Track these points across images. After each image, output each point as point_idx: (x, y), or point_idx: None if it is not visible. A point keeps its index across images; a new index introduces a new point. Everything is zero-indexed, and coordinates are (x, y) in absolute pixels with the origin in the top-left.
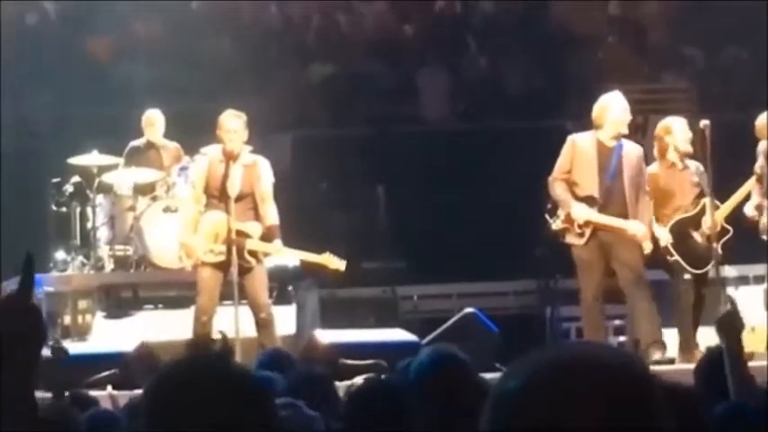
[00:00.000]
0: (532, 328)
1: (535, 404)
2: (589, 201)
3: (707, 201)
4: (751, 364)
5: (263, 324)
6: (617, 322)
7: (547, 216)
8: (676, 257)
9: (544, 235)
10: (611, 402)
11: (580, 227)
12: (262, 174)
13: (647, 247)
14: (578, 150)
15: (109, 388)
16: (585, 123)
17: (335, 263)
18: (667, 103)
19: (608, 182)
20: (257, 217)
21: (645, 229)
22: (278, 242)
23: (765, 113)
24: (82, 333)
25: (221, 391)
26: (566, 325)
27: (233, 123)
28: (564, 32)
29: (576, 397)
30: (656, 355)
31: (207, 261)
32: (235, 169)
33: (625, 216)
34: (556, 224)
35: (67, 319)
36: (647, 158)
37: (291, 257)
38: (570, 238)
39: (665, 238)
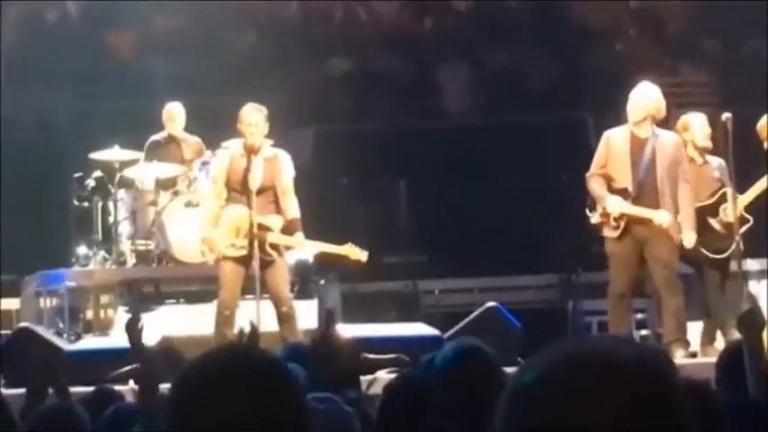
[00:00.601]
0: (554, 322)
1: (552, 399)
2: (623, 193)
3: (727, 190)
4: None
5: (285, 318)
6: (639, 316)
7: (587, 210)
8: (696, 244)
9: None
10: (631, 399)
11: (615, 220)
12: (283, 167)
13: (686, 241)
14: (612, 145)
15: (131, 383)
16: (605, 116)
17: (357, 254)
18: (688, 96)
19: (641, 174)
20: (278, 210)
21: (670, 219)
22: (299, 235)
23: (766, 116)
24: (104, 328)
25: (252, 383)
26: (587, 319)
27: (254, 117)
28: (584, 25)
29: (593, 393)
30: (679, 353)
31: (229, 255)
32: (256, 163)
33: (657, 207)
34: (594, 218)
35: (89, 314)
36: None
37: (313, 250)
38: (606, 232)
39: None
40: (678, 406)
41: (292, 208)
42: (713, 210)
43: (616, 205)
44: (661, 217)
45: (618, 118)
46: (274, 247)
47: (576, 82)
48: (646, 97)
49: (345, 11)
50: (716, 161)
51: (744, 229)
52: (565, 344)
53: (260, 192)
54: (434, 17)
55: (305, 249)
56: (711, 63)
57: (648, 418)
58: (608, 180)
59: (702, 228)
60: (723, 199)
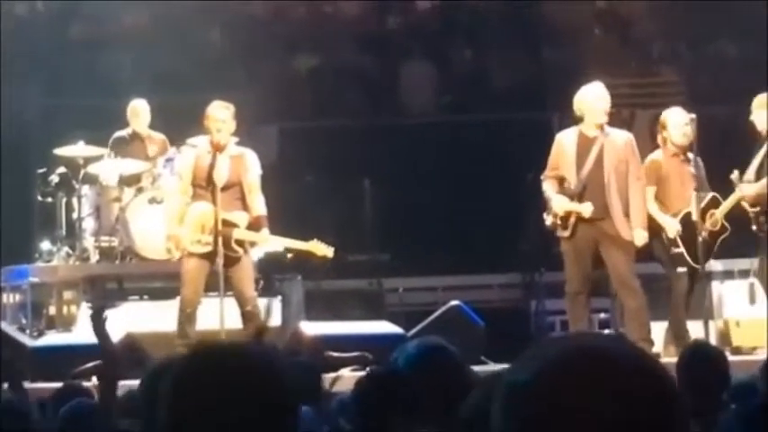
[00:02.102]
0: (517, 321)
1: (547, 395)
2: (568, 193)
3: (710, 195)
4: (747, 358)
5: (249, 316)
6: (602, 315)
7: (544, 214)
8: (682, 249)
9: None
10: (626, 395)
11: (562, 219)
12: (249, 165)
13: (637, 240)
14: (562, 146)
15: (93, 379)
16: (570, 116)
17: (323, 250)
18: (655, 97)
19: (586, 172)
20: (244, 207)
21: (591, 209)
22: (265, 231)
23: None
24: (67, 324)
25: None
26: (550, 318)
27: (221, 114)
28: (550, 25)
29: (589, 389)
30: None
31: (194, 252)
32: (222, 160)
33: (605, 207)
34: (548, 220)
35: (52, 310)
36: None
37: (278, 246)
38: (559, 232)
39: (675, 229)
40: (672, 403)
41: (258, 205)
42: (701, 218)
43: (558, 205)
44: (585, 209)
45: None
46: (240, 243)
47: (541, 81)
48: (595, 98)
49: (310, 8)
50: (696, 159)
51: (721, 238)
52: (560, 340)
53: (226, 188)
54: (399, 15)
55: (270, 245)
56: (677, 64)
57: (644, 413)
58: (561, 181)
59: (688, 233)
60: (711, 205)
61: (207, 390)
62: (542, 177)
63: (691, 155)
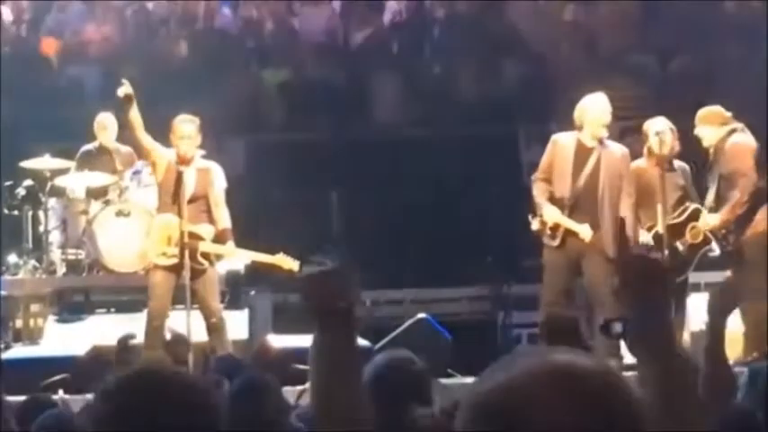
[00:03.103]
0: (484, 334)
1: (511, 410)
2: (560, 203)
3: (692, 207)
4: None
5: (214, 329)
6: None
7: (529, 216)
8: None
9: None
10: (593, 406)
11: (551, 230)
12: (215, 179)
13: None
14: (558, 150)
15: (60, 392)
16: (536, 130)
17: (289, 263)
18: (622, 110)
19: (581, 184)
20: (210, 220)
21: (590, 234)
22: (231, 244)
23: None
24: (34, 337)
25: (169, 402)
26: (517, 331)
27: (187, 128)
28: (517, 39)
29: (556, 401)
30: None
31: (160, 264)
32: (188, 173)
33: (596, 220)
34: (534, 224)
35: (19, 323)
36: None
37: (244, 259)
38: (545, 239)
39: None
40: (634, 412)
41: (224, 218)
42: (680, 229)
43: (550, 215)
44: (584, 231)
45: (548, 132)
46: (205, 255)
47: (508, 95)
48: (598, 110)
49: (278, 22)
50: (681, 167)
51: (703, 251)
52: (526, 355)
53: (191, 201)
54: (367, 29)
55: (236, 258)
56: (644, 78)
57: (609, 423)
58: (550, 186)
59: (669, 249)
60: (692, 217)
61: (140, 415)
62: (533, 178)
63: (677, 164)
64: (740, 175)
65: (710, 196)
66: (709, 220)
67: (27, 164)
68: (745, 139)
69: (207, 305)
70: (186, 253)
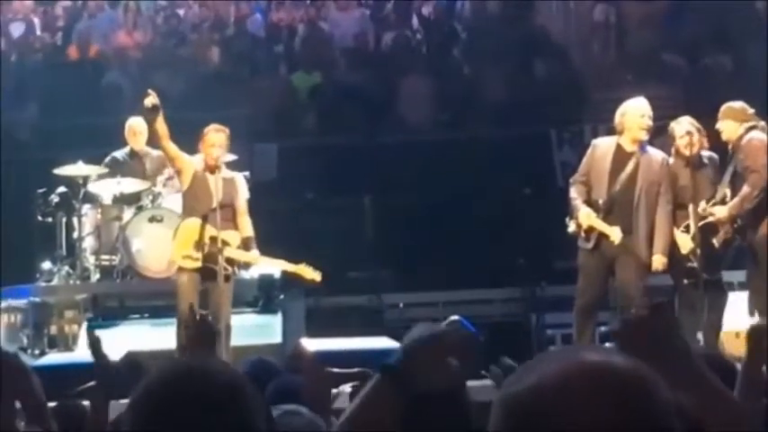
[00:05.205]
0: (517, 335)
1: (543, 409)
2: (596, 206)
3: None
4: None
5: (220, 334)
6: (602, 329)
7: (567, 219)
8: (694, 265)
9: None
10: (623, 405)
11: (586, 233)
12: (240, 189)
13: (655, 264)
14: (597, 154)
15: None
16: (568, 131)
17: (311, 273)
18: (654, 111)
19: (617, 188)
20: (235, 228)
21: (621, 237)
22: (255, 251)
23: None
24: (68, 343)
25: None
26: (550, 332)
27: (217, 138)
28: (547, 40)
29: (587, 399)
30: None
31: (185, 266)
32: (215, 181)
33: (629, 224)
34: (570, 227)
35: (54, 329)
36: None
37: (267, 266)
38: (580, 242)
39: (687, 246)
40: (665, 411)
41: (248, 227)
42: (714, 227)
43: (585, 218)
44: (614, 234)
45: (581, 132)
46: (230, 261)
47: (539, 96)
48: (638, 115)
49: (308, 26)
50: (710, 157)
51: (732, 247)
52: (557, 354)
53: (218, 208)
54: (396, 32)
55: (260, 265)
56: (673, 77)
57: (638, 421)
58: (588, 189)
59: (703, 245)
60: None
61: (170, 412)
62: (571, 181)
63: (705, 155)
64: (751, 171)
65: (724, 190)
66: (716, 212)
67: (60, 171)
68: (760, 136)
69: (217, 309)
70: (221, 259)
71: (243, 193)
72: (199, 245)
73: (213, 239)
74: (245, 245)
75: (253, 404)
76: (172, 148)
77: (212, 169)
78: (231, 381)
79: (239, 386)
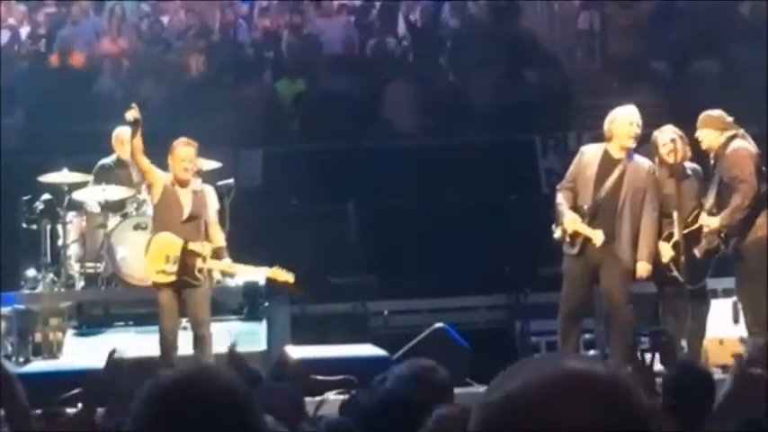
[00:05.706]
0: (502, 342)
1: (521, 416)
2: (581, 211)
3: (704, 214)
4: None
5: (201, 341)
6: (587, 336)
7: (554, 225)
8: (675, 274)
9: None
10: (604, 409)
11: (571, 238)
12: (209, 201)
13: (639, 271)
14: (584, 161)
15: (79, 405)
16: (553, 138)
17: (283, 275)
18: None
19: (602, 194)
20: (207, 239)
21: (603, 239)
22: (227, 260)
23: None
24: (53, 350)
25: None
26: (535, 339)
27: (185, 152)
28: (533, 47)
29: (565, 404)
30: None
31: (159, 282)
32: (185, 194)
33: (612, 231)
34: (556, 233)
35: (38, 337)
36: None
37: (245, 273)
38: (565, 248)
39: (668, 255)
40: (644, 415)
41: (219, 237)
42: (697, 236)
43: (570, 223)
44: (597, 237)
45: (565, 139)
46: (202, 271)
47: (524, 103)
48: (626, 123)
49: (293, 33)
50: (693, 169)
51: (716, 256)
52: (535, 362)
53: (188, 221)
54: (382, 39)
55: (238, 273)
56: (659, 84)
57: (620, 429)
58: (574, 195)
59: (685, 254)
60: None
61: (173, 418)
62: (558, 187)
63: (689, 166)
64: (740, 181)
65: (711, 200)
66: (707, 222)
67: (45, 178)
68: (745, 146)
69: (195, 316)
70: (208, 272)
71: (213, 205)
72: (171, 259)
73: (186, 251)
74: (216, 255)
75: (251, 410)
76: (145, 162)
77: (183, 183)
78: (230, 387)
79: (238, 392)
